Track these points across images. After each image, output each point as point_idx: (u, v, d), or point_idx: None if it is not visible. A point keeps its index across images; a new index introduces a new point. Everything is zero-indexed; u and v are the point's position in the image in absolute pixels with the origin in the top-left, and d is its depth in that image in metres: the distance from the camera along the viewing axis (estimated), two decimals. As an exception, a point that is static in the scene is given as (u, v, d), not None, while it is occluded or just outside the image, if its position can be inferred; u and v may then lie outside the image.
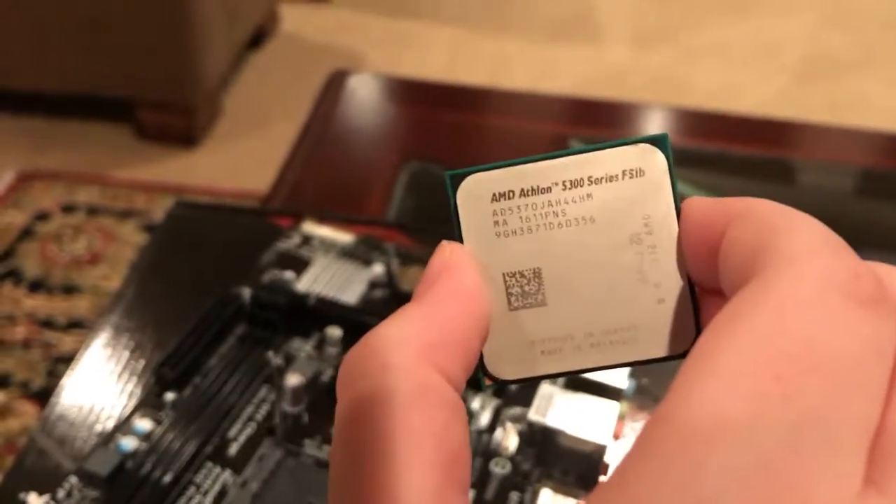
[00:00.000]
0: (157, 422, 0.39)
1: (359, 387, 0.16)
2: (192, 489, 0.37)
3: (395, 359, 0.16)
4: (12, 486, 0.37)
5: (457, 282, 0.18)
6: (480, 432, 0.40)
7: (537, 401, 0.40)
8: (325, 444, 0.40)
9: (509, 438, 0.40)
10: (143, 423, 0.39)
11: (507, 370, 0.20)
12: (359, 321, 0.45)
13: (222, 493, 0.37)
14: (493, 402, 0.41)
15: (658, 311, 0.20)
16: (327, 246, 0.52)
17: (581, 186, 0.20)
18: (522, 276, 0.20)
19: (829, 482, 0.13)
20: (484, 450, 0.39)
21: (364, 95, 0.82)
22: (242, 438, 0.40)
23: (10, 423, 1.06)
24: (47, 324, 1.19)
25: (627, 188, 0.20)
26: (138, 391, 0.42)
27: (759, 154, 0.71)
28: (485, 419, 0.41)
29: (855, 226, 0.60)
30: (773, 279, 0.15)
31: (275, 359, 0.42)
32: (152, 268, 0.51)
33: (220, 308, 0.44)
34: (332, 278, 0.49)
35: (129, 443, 0.38)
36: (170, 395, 0.40)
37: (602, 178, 0.20)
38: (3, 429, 1.05)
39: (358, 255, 0.51)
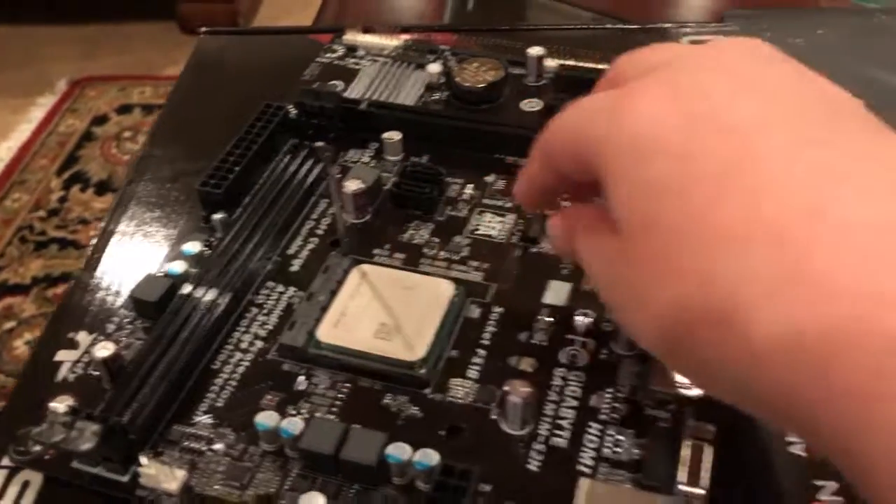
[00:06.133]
0: (208, 244, 0.35)
1: None
2: (253, 310, 0.33)
3: None
4: (62, 327, 0.34)
5: None
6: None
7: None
8: (396, 252, 0.35)
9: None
10: (192, 246, 0.35)
11: None
12: (419, 123, 0.40)
13: (288, 310, 0.33)
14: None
15: None
16: (375, 53, 0.46)
17: None
18: None
19: None
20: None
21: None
22: (304, 254, 0.36)
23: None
24: (118, 222, 1.18)
25: None
26: (183, 220, 0.38)
27: None
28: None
29: None
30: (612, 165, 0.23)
31: (331, 168, 0.37)
32: (186, 100, 0.46)
33: (263, 121, 0.39)
34: (383, 84, 0.44)
35: (178, 267, 0.34)
36: (217, 216, 0.36)
37: None
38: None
39: (410, 59, 0.45)
